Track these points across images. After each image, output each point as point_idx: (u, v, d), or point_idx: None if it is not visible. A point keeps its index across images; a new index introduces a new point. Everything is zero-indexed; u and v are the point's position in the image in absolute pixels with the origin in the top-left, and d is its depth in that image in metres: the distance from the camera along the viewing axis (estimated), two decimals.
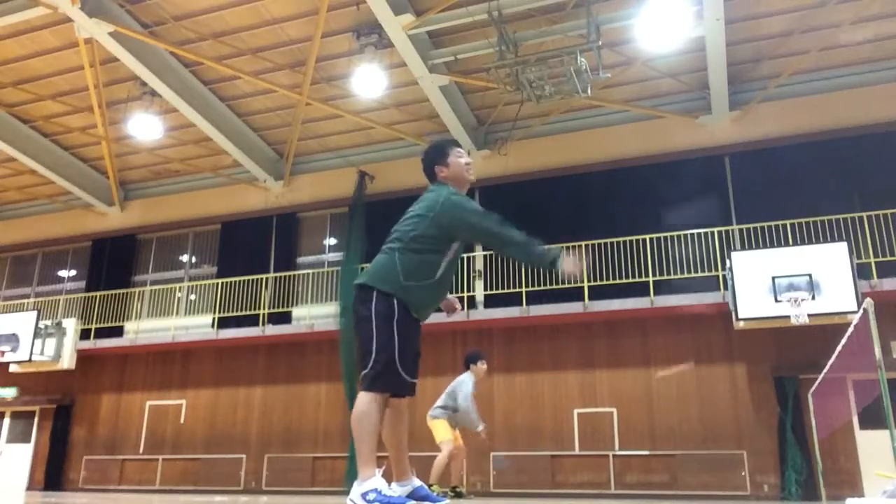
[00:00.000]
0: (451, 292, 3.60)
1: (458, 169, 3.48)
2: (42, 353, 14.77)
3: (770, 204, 12.60)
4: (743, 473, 11.69)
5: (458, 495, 8.22)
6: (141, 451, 15.60)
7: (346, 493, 3.21)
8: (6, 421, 17.16)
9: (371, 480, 3.01)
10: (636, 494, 11.95)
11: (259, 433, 14.83)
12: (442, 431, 7.92)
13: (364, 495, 2.97)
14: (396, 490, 3.29)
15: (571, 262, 3.11)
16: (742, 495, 11.56)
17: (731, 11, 11.50)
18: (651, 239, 12.87)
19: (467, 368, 8.20)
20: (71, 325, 15.08)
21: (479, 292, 14.01)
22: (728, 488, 11.66)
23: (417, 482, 3.38)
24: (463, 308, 13.49)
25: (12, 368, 15.20)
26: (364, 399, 3.13)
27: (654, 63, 13.00)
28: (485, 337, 13.67)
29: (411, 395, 3.35)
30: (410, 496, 3.30)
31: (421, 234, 3.24)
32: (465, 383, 7.98)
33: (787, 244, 11.83)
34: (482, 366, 8.23)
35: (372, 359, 3.13)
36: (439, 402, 8.08)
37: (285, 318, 15.22)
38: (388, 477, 3.15)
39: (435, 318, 3.50)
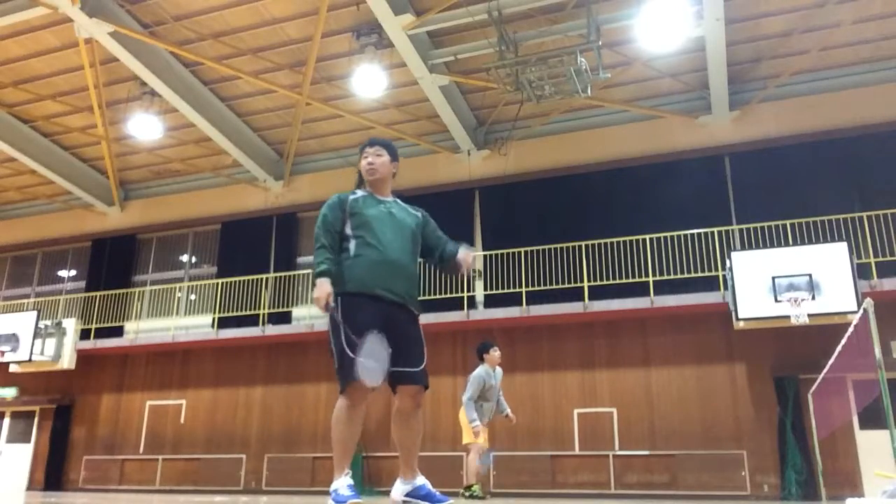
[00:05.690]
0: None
1: (361, 168, 3.69)
2: (42, 353, 14.77)
3: (770, 204, 12.59)
4: (743, 473, 11.69)
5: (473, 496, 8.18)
6: (141, 451, 15.61)
7: None
8: (6, 421, 17.16)
9: (337, 482, 3.24)
10: (636, 494, 11.96)
11: (259, 433, 14.84)
12: (468, 433, 7.91)
13: (331, 494, 3.23)
14: (400, 488, 3.42)
15: (319, 291, 3.28)
16: (742, 495, 11.56)
17: (731, 11, 11.50)
18: (651, 239, 12.87)
19: (481, 360, 8.14)
20: (71, 325, 15.08)
21: (479, 292, 14.00)
22: (728, 488, 11.66)
23: (420, 481, 3.43)
24: (463, 308, 13.50)
25: (12, 368, 15.20)
26: (337, 406, 3.36)
27: (654, 63, 13.00)
28: (485, 337, 13.60)
29: (416, 383, 3.36)
30: (411, 494, 3.38)
31: None
32: (474, 380, 7.92)
33: (787, 244, 11.83)
34: (494, 353, 8.11)
35: (335, 359, 3.30)
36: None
37: (285, 318, 15.21)
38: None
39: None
